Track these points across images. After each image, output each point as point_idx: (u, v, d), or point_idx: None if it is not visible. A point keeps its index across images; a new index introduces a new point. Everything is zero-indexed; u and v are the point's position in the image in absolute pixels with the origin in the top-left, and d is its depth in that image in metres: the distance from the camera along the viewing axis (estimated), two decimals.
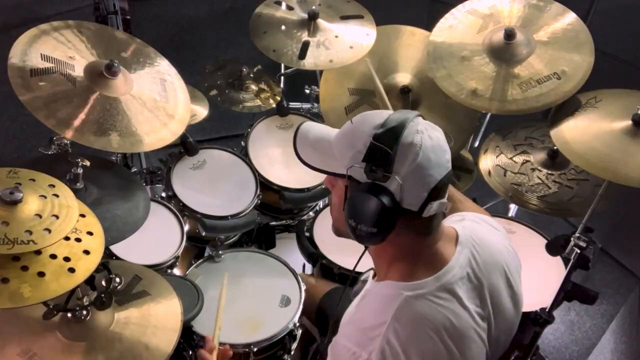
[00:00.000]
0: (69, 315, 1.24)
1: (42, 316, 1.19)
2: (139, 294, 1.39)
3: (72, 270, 1.10)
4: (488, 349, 1.04)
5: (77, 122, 1.44)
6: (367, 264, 1.14)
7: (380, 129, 0.97)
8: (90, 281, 1.25)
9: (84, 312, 1.25)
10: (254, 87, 2.20)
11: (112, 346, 1.25)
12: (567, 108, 1.81)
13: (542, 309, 1.60)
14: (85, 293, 1.26)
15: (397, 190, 0.95)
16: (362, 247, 1.06)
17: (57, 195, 1.15)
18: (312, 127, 1.11)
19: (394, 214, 0.95)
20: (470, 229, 1.10)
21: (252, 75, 2.22)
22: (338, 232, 1.11)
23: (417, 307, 0.97)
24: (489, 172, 2.02)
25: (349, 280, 1.21)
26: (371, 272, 1.14)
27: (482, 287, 1.03)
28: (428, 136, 0.96)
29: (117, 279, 1.29)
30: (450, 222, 1.14)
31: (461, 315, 0.99)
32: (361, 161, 0.97)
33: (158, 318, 1.35)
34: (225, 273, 1.65)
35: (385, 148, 0.94)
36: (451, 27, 2.01)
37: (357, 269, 1.13)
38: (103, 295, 1.25)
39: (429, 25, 2.08)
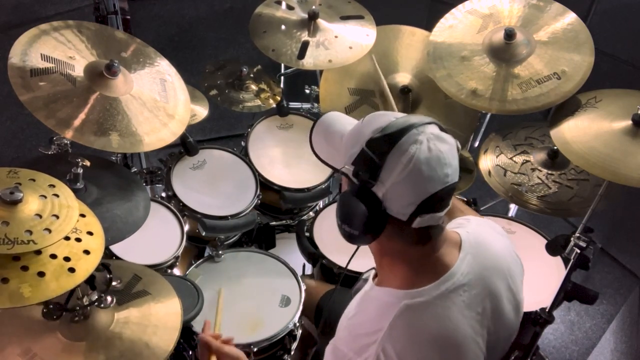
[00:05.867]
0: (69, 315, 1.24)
1: (47, 315, 1.19)
2: (138, 293, 1.39)
3: (72, 270, 1.10)
4: (486, 355, 1.03)
5: (77, 122, 1.44)
6: (363, 264, 1.13)
7: (379, 133, 0.94)
8: (90, 281, 1.25)
9: (84, 312, 1.25)
10: (254, 87, 2.20)
11: (112, 345, 1.25)
12: (567, 108, 1.81)
13: (542, 309, 1.60)
14: (85, 293, 1.26)
15: (383, 197, 0.93)
16: (363, 247, 1.06)
17: (57, 195, 1.15)
18: (335, 119, 1.09)
19: (378, 219, 0.94)
20: (474, 234, 1.08)
21: (252, 75, 2.22)
22: None
23: (415, 316, 0.96)
24: (489, 172, 2.02)
25: (339, 280, 1.20)
26: (372, 272, 1.12)
27: (483, 293, 1.02)
28: (427, 147, 0.92)
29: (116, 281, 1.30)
30: (455, 226, 1.13)
31: (459, 325, 0.97)
32: (351, 163, 0.96)
33: (158, 317, 1.34)
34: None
35: (373, 157, 0.92)
36: (451, 27, 2.01)
37: (358, 269, 1.12)
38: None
39: (429, 25, 2.08)
